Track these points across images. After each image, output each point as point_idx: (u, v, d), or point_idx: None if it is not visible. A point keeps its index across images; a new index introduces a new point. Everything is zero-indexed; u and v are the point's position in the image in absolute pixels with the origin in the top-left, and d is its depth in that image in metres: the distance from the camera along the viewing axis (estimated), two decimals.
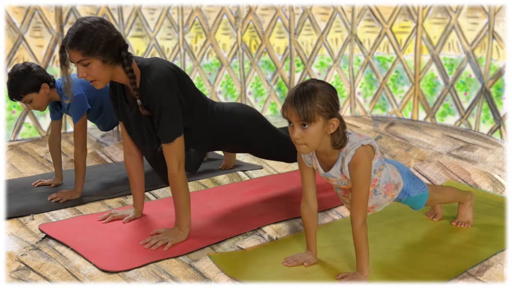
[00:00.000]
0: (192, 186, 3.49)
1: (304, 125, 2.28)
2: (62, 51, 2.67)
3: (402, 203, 2.72)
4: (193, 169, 3.21)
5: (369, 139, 2.42)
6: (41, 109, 3.39)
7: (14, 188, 3.50)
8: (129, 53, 2.70)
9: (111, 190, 3.48)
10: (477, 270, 2.53)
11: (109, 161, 4.05)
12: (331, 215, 3.13)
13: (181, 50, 4.83)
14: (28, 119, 4.49)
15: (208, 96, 4.92)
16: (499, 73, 4.19)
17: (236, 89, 4.98)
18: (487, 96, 4.29)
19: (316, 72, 4.95)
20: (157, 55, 4.79)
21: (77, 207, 3.26)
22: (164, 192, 3.44)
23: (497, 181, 3.50)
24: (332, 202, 3.18)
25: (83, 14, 4.51)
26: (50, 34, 4.48)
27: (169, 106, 2.70)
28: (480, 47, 4.35)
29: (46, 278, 2.52)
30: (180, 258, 2.68)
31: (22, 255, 2.72)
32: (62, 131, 4.03)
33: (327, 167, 2.45)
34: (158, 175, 3.06)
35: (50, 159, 3.70)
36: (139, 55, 4.73)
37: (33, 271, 2.58)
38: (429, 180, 3.58)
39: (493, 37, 4.22)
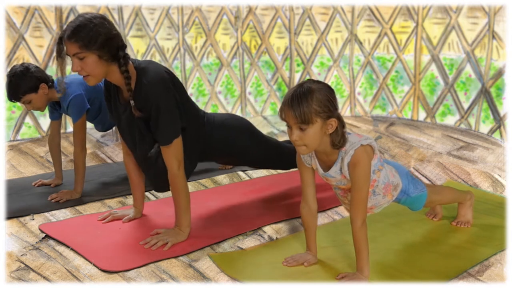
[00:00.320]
0: (192, 186, 3.49)
1: (302, 128, 2.28)
2: (59, 42, 2.64)
3: (401, 203, 2.71)
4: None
5: (369, 139, 2.42)
6: (41, 109, 3.39)
7: (14, 188, 3.50)
8: (127, 54, 2.70)
9: (111, 190, 3.48)
10: (477, 270, 2.53)
11: (109, 161, 4.05)
12: (331, 215, 3.13)
13: (181, 50, 4.83)
14: (28, 119, 4.49)
15: (208, 96, 4.94)
16: (499, 73, 4.19)
17: (236, 89, 4.98)
18: (487, 96, 4.29)
19: (316, 72, 4.95)
20: (157, 55, 4.79)
21: (77, 207, 3.26)
22: (164, 192, 3.44)
23: (497, 181, 3.50)
24: (332, 202, 3.18)
25: None
26: (50, 34, 4.48)
27: (166, 107, 2.69)
28: (480, 47, 4.35)
29: (46, 278, 2.52)
30: (180, 258, 2.68)
31: (22, 255, 2.72)
32: (62, 131, 4.03)
33: (327, 167, 2.45)
34: (148, 180, 3.01)
35: (50, 159, 3.70)
36: (139, 55, 4.73)
37: (33, 271, 2.58)
38: (429, 180, 3.58)
39: (493, 37, 4.22)
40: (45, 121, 4.51)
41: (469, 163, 3.81)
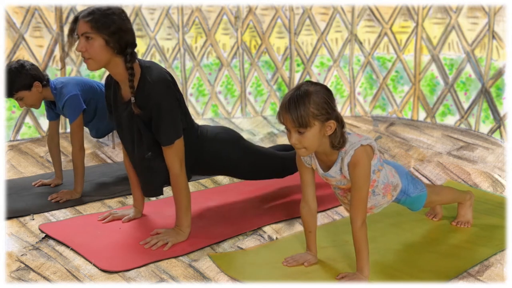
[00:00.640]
0: (192, 186, 3.49)
1: (300, 131, 2.27)
2: (74, 21, 2.68)
3: (401, 203, 2.71)
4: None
5: (368, 139, 2.42)
6: (35, 106, 3.39)
7: (14, 188, 3.50)
8: (135, 52, 2.71)
9: (111, 190, 3.48)
10: (477, 270, 2.53)
11: (109, 161, 4.05)
12: (331, 215, 3.12)
13: (181, 50, 4.83)
14: (28, 119, 4.49)
15: (208, 96, 4.93)
16: (499, 73, 4.19)
17: (236, 89, 4.98)
18: (487, 96, 4.29)
19: (316, 72, 4.95)
20: (157, 55, 4.80)
21: (77, 207, 3.26)
22: (164, 192, 3.43)
23: (497, 181, 3.50)
24: (332, 202, 3.18)
25: None
26: (50, 34, 4.48)
27: (168, 107, 2.70)
28: (480, 47, 4.35)
29: (46, 278, 2.52)
30: (180, 258, 2.68)
31: (22, 255, 2.72)
32: (62, 131, 4.03)
33: (327, 167, 2.45)
34: (142, 186, 2.96)
35: (50, 159, 3.70)
36: (139, 55, 4.72)
37: (33, 271, 2.58)
38: (429, 180, 3.58)
39: (493, 37, 4.22)
40: (45, 121, 4.50)
41: (469, 163, 3.80)
